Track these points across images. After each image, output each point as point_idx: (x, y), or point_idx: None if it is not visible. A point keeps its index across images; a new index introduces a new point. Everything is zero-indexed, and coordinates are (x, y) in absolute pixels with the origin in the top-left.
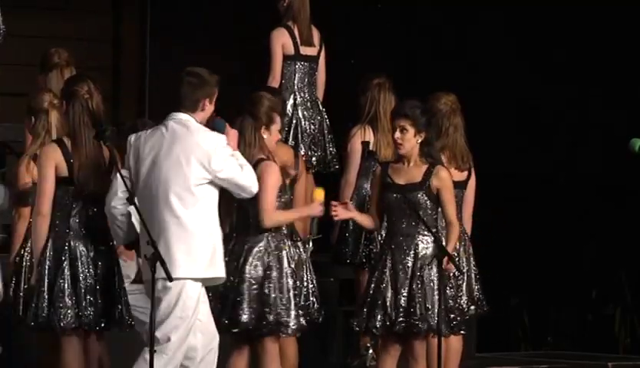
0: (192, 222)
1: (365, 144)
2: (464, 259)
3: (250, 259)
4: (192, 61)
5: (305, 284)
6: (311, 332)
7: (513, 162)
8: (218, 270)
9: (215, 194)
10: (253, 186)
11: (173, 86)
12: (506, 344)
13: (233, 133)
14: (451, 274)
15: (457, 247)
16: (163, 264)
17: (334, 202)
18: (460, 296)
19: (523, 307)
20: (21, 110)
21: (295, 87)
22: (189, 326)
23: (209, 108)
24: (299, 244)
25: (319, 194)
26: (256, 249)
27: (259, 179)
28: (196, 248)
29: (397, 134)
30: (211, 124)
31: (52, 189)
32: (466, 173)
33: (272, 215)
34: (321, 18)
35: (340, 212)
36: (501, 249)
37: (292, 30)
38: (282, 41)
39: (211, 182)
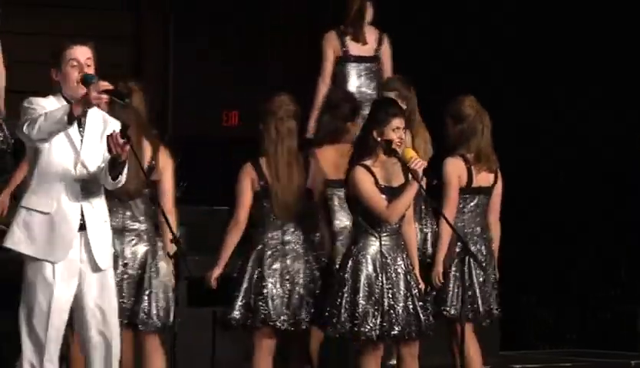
0: None
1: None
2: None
3: None
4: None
5: None
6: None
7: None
8: None
9: None
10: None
11: (194, 83)
12: (529, 343)
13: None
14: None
15: (480, 247)
16: (185, 261)
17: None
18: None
19: (544, 306)
20: None
21: (352, 88)
22: None
23: (60, 77)
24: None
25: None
26: None
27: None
28: None
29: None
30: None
31: None
32: (493, 176)
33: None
34: None
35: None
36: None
37: (345, 32)
38: (333, 45)
39: None
